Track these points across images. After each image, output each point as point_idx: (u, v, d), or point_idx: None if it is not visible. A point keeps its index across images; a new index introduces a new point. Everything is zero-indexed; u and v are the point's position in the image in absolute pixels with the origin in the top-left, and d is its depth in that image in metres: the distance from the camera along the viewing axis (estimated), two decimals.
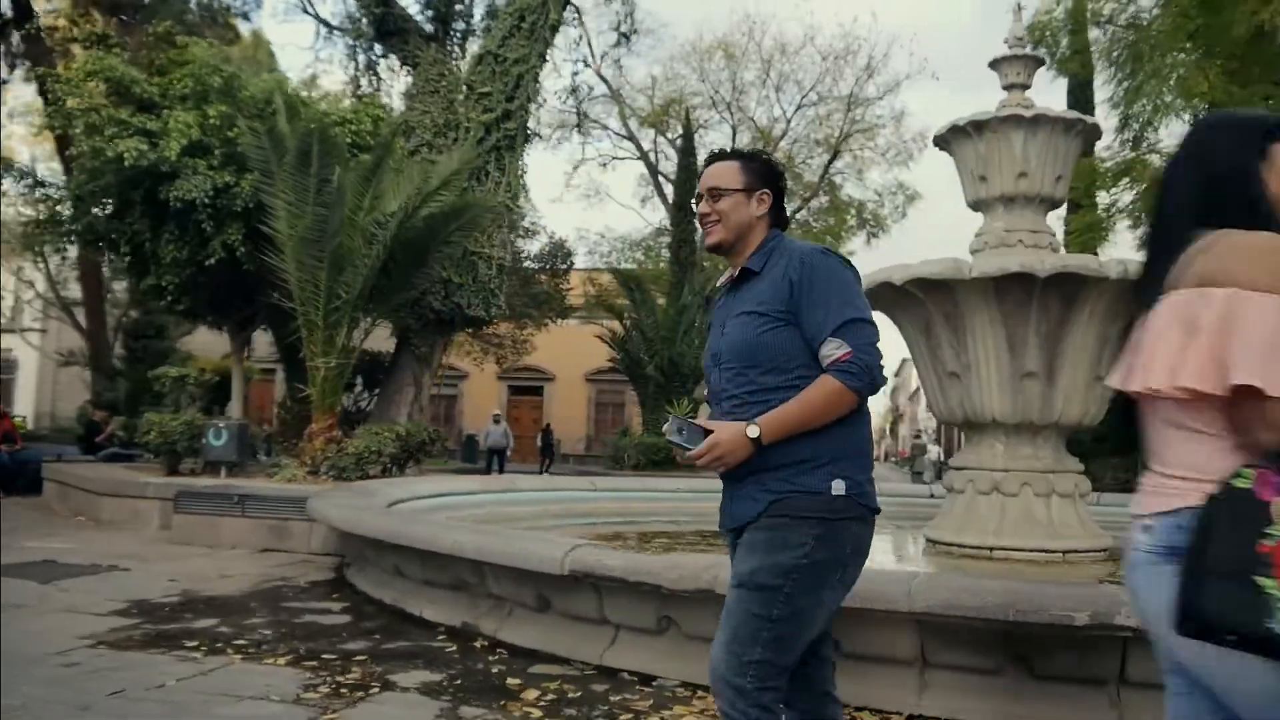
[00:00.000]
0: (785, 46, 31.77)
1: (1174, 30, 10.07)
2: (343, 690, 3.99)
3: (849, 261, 2.40)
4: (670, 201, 29.58)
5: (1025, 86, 8.24)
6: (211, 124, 10.45)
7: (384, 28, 15.85)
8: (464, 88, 14.35)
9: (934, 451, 29.06)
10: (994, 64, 8.59)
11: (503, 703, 3.89)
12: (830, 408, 2.24)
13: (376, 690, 4.01)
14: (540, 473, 22.27)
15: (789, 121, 31.60)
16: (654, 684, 4.17)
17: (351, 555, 7.22)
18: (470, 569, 5.13)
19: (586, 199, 43.16)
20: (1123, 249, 16.00)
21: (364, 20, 16.14)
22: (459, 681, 4.19)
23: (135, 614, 5.47)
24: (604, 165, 34.04)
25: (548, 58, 15.33)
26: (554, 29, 15.13)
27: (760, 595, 2.21)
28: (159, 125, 10.31)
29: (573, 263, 29.76)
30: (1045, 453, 7.43)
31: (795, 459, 2.25)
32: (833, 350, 2.23)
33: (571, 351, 31.85)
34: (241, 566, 7.45)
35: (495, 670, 4.40)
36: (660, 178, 32.40)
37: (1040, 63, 8.68)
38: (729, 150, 2.62)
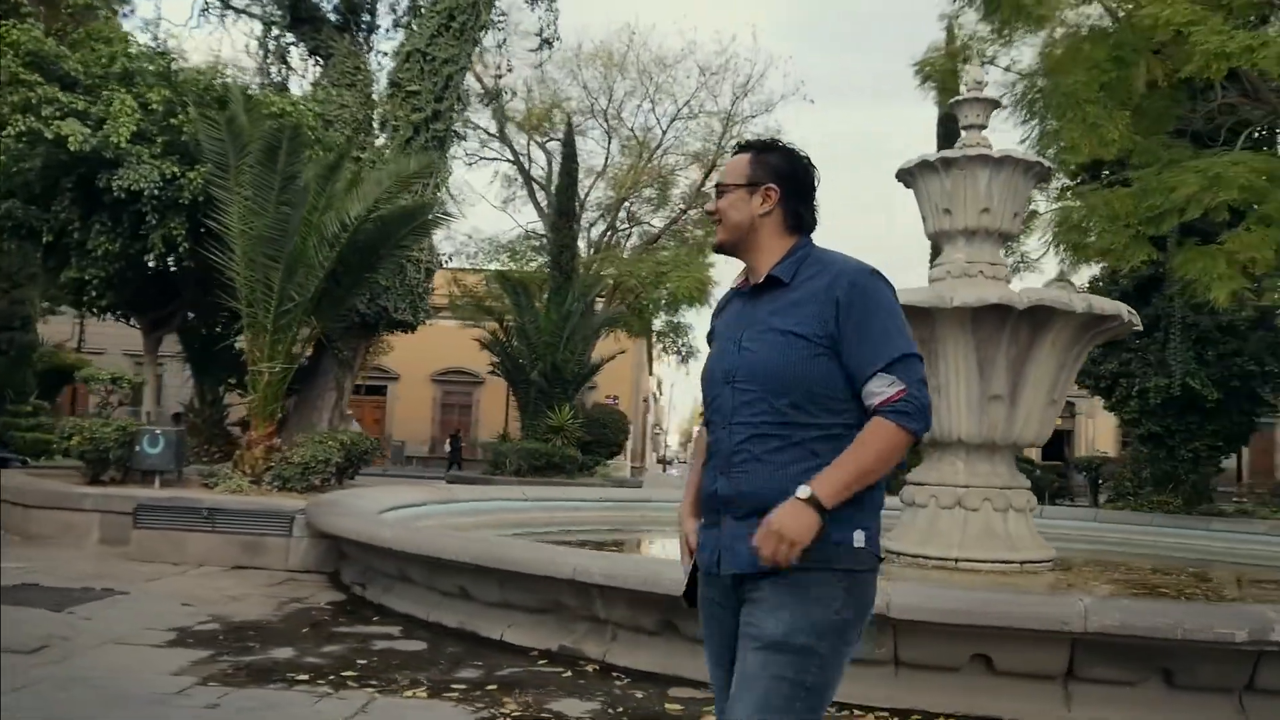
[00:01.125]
0: (664, 59, 32.13)
1: (1089, 81, 10.98)
2: None
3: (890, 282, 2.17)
4: (547, 206, 29.48)
5: (983, 127, 8.86)
6: (154, 110, 9.73)
7: (297, 14, 15.18)
8: (390, 85, 13.94)
9: None
10: (954, 105, 9.20)
11: None
12: (890, 456, 1.97)
13: None
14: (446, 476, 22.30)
15: (664, 132, 32.15)
16: None
17: (370, 574, 6.96)
18: (572, 591, 5.10)
19: (451, 198, 42.13)
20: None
21: (275, 5, 15.38)
22: (620, 709, 4.21)
23: (194, 644, 5.13)
24: (470, 164, 33.59)
25: (475, 58, 15.08)
26: (484, 29, 14.94)
27: (796, 659, 1.94)
28: (100, 109, 9.51)
29: (441, 262, 29.14)
30: (1002, 469, 8.03)
31: None
32: (883, 388, 1.97)
33: (418, 351, 30.62)
34: (237, 587, 7.04)
35: (640, 696, 4.43)
36: (534, 184, 32.19)
37: (996, 105, 9.35)
38: (751, 141, 2.29)
